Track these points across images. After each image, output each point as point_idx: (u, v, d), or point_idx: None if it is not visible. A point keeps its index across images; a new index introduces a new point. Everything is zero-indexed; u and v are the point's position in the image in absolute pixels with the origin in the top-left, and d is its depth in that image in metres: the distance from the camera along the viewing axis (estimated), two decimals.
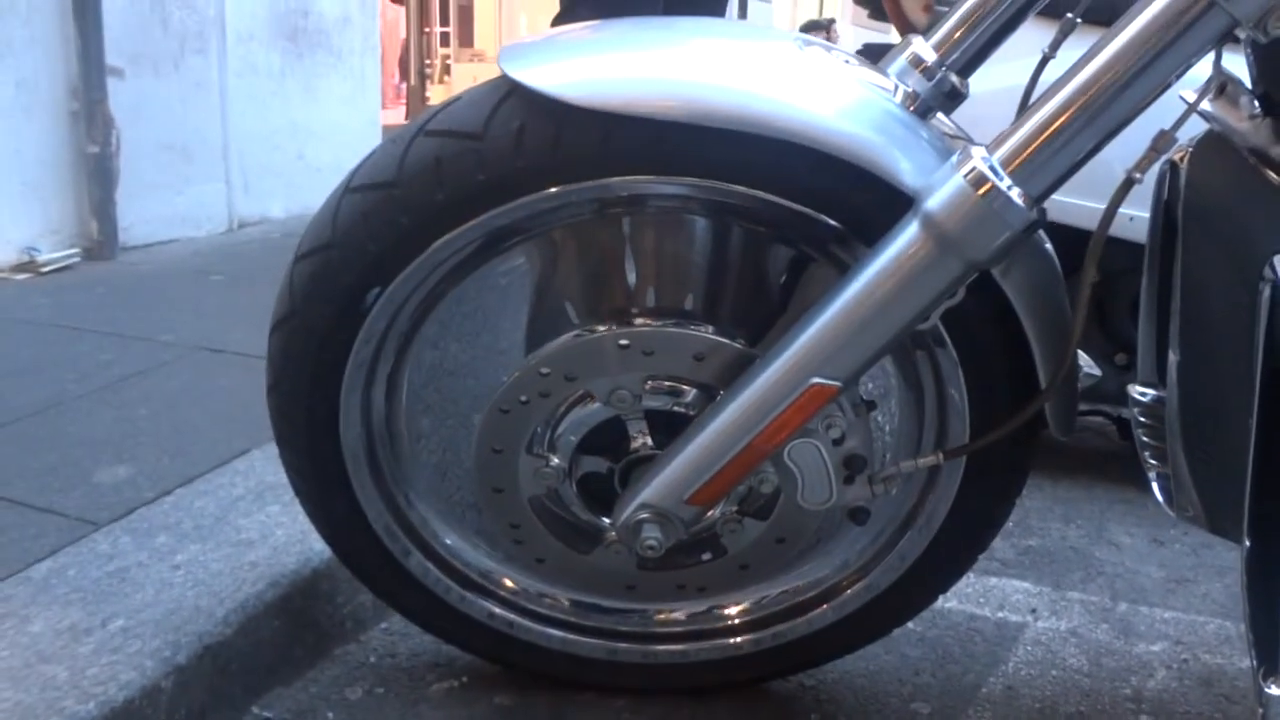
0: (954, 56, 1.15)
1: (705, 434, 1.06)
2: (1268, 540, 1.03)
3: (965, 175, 0.95)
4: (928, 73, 1.13)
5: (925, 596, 1.27)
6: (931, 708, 1.37)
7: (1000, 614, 1.60)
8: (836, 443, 1.07)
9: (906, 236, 0.97)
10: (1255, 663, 1.03)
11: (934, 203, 0.96)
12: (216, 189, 3.77)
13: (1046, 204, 1.01)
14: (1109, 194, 0.98)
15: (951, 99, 1.15)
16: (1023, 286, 1.03)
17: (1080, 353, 1.45)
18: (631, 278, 1.16)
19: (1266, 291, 0.93)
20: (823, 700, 1.36)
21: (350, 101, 4.42)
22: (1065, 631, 1.56)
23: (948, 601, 1.60)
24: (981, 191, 0.94)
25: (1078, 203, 1.56)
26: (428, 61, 12.84)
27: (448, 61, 14.45)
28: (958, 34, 1.15)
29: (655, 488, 1.09)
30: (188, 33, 3.65)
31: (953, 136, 1.10)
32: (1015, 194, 0.95)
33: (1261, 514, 1.03)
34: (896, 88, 1.12)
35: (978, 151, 0.96)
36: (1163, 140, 0.95)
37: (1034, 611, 1.61)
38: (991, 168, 0.95)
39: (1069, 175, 0.97)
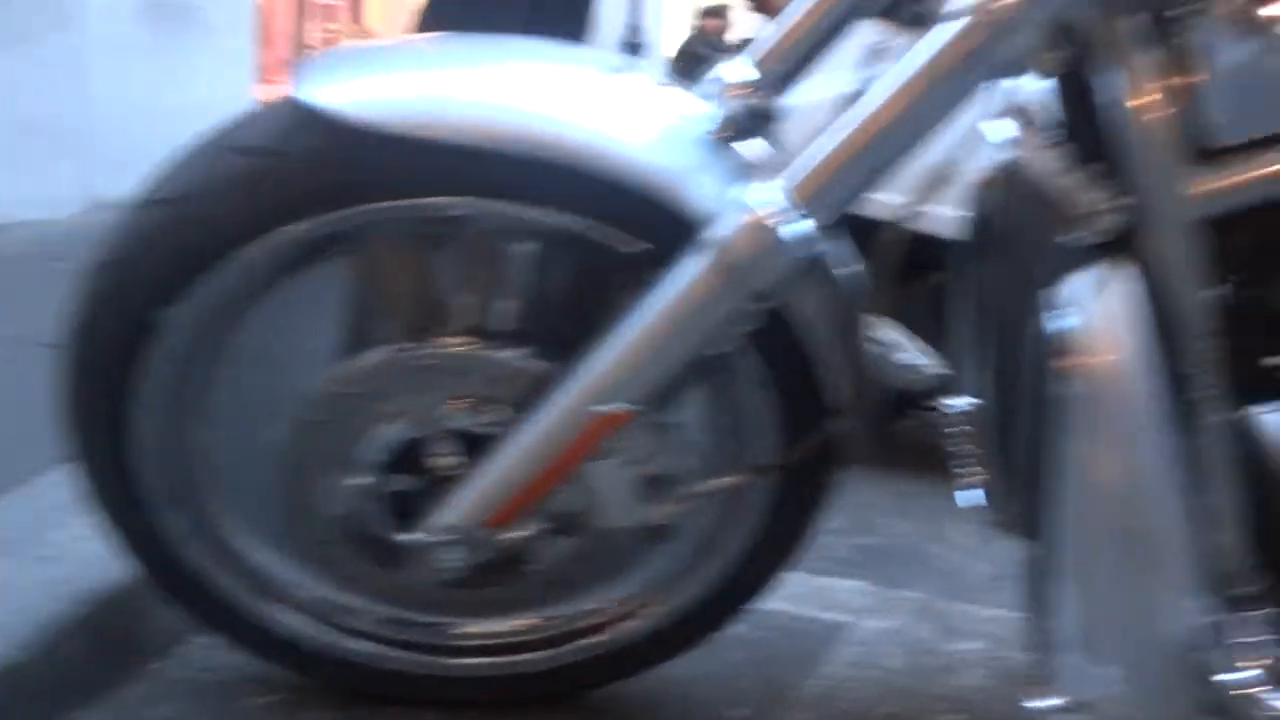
0: (777, 73, 1.13)
1: (502, 457, 1.06)
2: (1047, 551, 1.07)
3: (749, 205, 0.96)
4: (747, 93, 1.11)
5: (733, 609, 1.29)
6: (749, 713, 1.39)
7: (828, 614, 1.63)
8: (637, 463, 1.08)
9: (691, 265, 0.98)
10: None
11: (718, 232, 0.97)
12: (76, 170, 3.65)
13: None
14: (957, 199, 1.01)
15: (769, 119, 1.14)
16: (810, 314, 1.05)
17: (930, 350, 1.49)
18: (442, 296, 1.14)
19: (1032, 324, 0.97)
20: (639, 709, 1.37)
21: (222, 80, 4.30)
22: (889, 631, 1.60)
23: (776, 603, 1.62)
24: (764, 222, 0.95)
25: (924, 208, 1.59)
26: (317, 37, 12.52)
27: (335, 38, 14.08)
28: (780, 50, 1.14)
29: (454, 510, 1.09)
30: (48, 7, 3.52)
31: (756, 163, 1.10)
32: (799, 224, 0.96)
33: (1041, 523, 1.07)
34: (709, 110, 1.11)
35: (765, 181, 0.97)
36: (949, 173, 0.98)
37: (861, 611, 1.64)
38: (777, 198, 0.96)
39: (855, 201, 0.99)
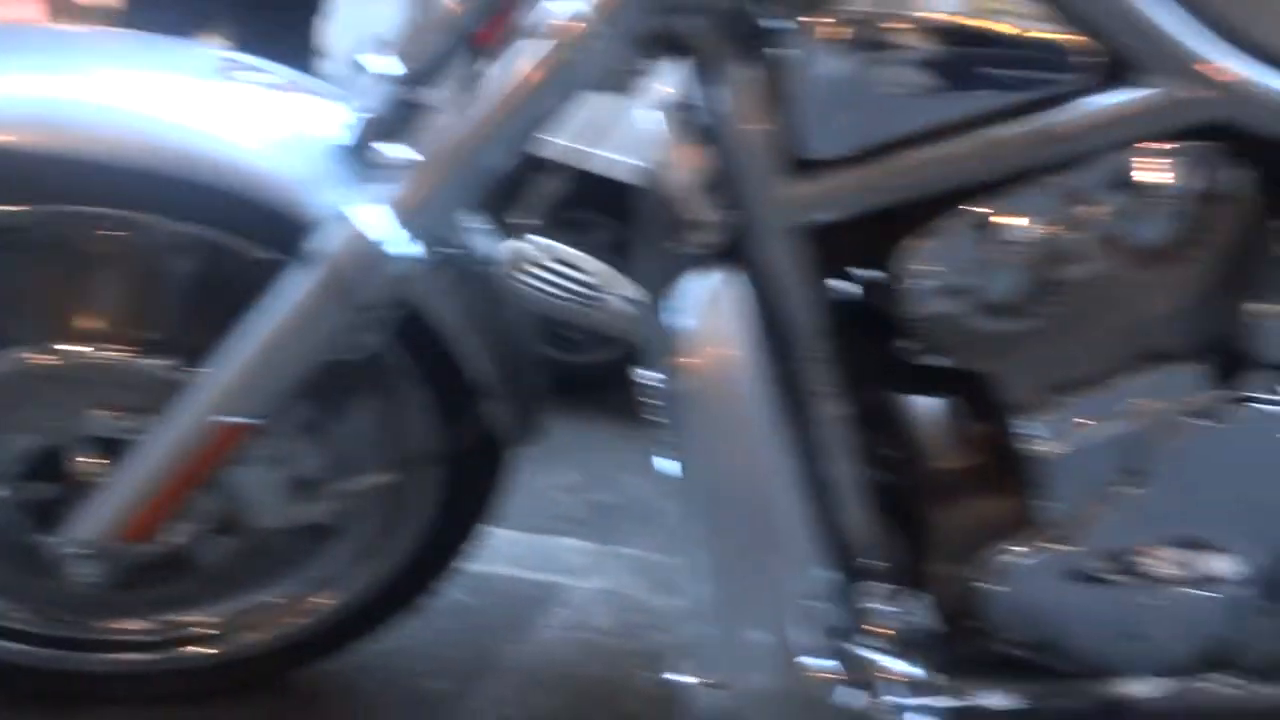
0: (421, 66, 1.08)
1: (132, 469, 1.04)
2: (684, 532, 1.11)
3: (353, 218, 0.95)
4: (390, 88, 1.07)
5: (411, 598, 1.30)
6: (451, 684, 1.41)
7: (546, 575, 1.65)
8: (281, 465, 1.08)
9: (301, 277, 0.97)
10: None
11: (325, 244, 0.95)
12: None
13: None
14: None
15: (411, 117, 1.09)
16: (444, 311, 1.05)
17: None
18: (75, 301, 1.10)
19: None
20: (339, 686, 1.37)
21: None
22: (604, 590, 1.63)
23: (495, 565, 1.64)
24: (368, 236, 0.95)
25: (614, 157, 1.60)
26: None
27: None
28: (424, 40, 1.09)
29: (88, 523, 1.06)
30: None
31: (388, 167, 1.06)
32: (400, 237, 0.95)
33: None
34: (350, 109, 1.08)
35: (373, 193, 0.96)
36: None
37: (579, 571, 1.67)
38: (380, 210, 0.95)
39: (464, 206, 0.99)
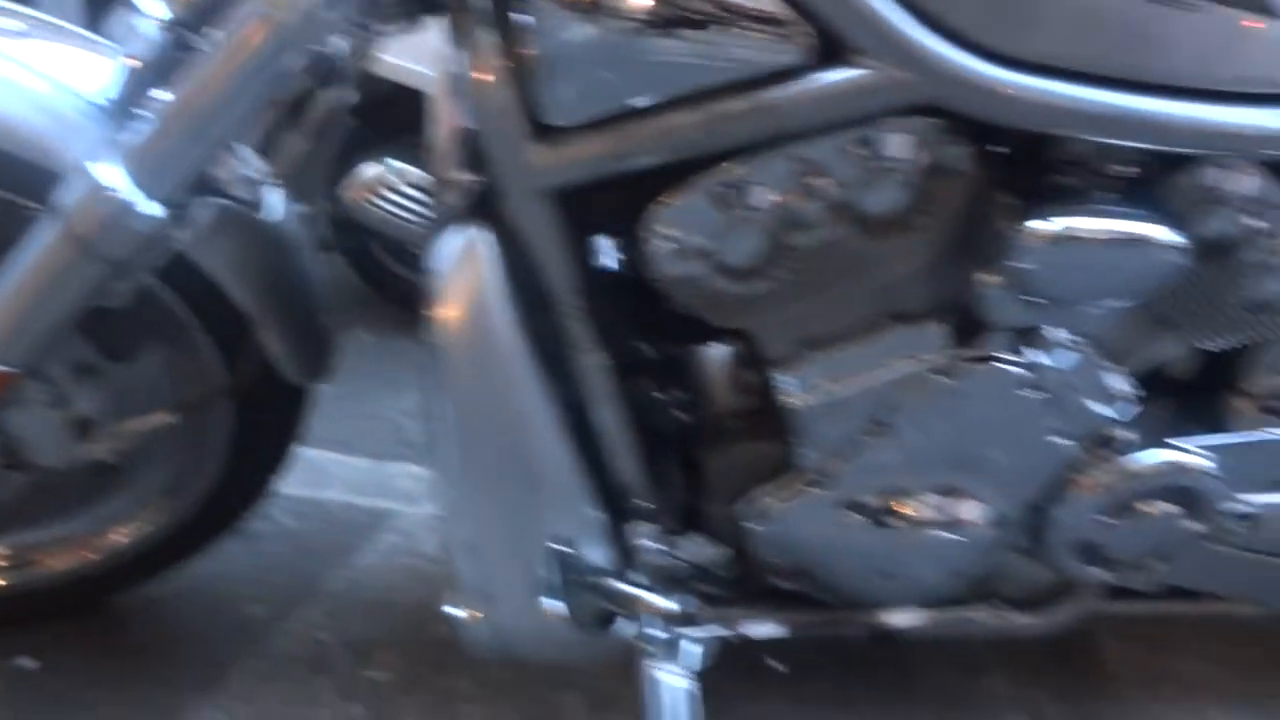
0: (192, 10, 1.08)
1: None
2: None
3: (92, 171, 0.96)
4: (159, 33, 1.04)
5: (217, 528, 1.33)
6: (268, 609, 1.44)
7: (378, 502, 1.67)
8: (60, 406, 1.10)
9: (47, 232, 0.98)
10: None
11: (67, 202, 0.96)
12: None
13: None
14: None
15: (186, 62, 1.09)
16: (214, 257, 1.07)
17: None
18: None
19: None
20: (156, 614, 1.40)
21: None
22: (435, 516, 1.66)
23: (328, 491, 1.66)
24: (107, 194, 0.96)
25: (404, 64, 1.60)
26: None
27: None
28: None
29: None
30: None
31: (148, 117, 1.03)
32: (138, 197, 0.96)
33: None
34: (116, 56, 1.07)
35: (123, 144, 0.97)
36: None
37: (411, 497, 1.69)
38: (117, 171, 0.96)
39: (204, 166, 1.00)
